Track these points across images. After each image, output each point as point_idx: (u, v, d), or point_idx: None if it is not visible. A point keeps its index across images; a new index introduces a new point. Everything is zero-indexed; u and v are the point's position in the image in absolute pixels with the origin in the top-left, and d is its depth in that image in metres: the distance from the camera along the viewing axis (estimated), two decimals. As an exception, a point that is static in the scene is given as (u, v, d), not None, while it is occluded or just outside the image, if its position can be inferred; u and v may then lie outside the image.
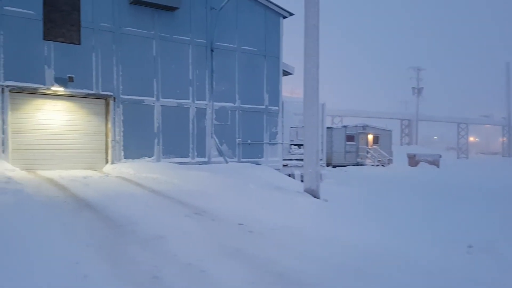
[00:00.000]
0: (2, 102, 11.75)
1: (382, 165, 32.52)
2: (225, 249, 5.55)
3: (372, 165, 32.21)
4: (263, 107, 17.11)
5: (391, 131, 36.90)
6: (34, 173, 11.63)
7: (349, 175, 25.03)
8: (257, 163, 16.50)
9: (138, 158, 13.96)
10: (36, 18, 12.16)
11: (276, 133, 17.54)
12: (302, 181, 12.01)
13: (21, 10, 11.96)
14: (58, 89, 12.50)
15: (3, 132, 11.74)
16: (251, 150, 16.78)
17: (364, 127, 34.13)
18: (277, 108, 17.52)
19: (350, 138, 32.96)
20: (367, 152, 33.21)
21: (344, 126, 34.28)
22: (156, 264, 4.91)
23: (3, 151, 11.72)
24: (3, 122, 11.72)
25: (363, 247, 5.72)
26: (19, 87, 12.03)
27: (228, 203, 8.40)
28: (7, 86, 11.81)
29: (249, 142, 16.66)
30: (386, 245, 5.76)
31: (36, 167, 12.40)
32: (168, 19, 14.57)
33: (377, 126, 36.51)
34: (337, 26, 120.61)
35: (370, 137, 34.29)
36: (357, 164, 32.34)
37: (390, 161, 33.57)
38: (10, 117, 11.96)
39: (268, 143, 17.25)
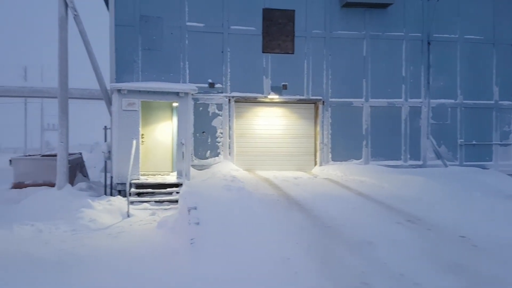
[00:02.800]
0: (229, 111, 13.77)
1: None
2: (443, 262, 5.03)
3: None
4: (492, 102, 14.85)
5: None
6: (253, 173, 13.18)
7: None
8: (483, 167, 14.41)
9: (345, 160, 14.13)
10: (256, 34, 13.78)
11: (510, 132, 14.96)
12: (548, 191, 9.91)
13: (244, 27, 13.76)
14: (274, 96, 13.84)
15: (229, 137, 13.73)
16: (476, 152, 14.78)
17: None
18: (510, 103, 14.96)
19: None
20: None
21: None
22: (364, 270, 4.84)
23: (229, 154, 13.71)
24: (229, 128, 13.72)
25: None
26: (242, 97, 13.85)
27: (448, 212, 7.60)
28: (233, 97, 13.78)
29: (473, 143, 14.72)
30: None
31: (255, 168, 14.01)
32: (379, 17, 14.31)
33: None
34: None
35: None
36: None
37: None
38: (235, 124, 13.89)
39: (498, 144, 14.87)
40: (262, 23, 13.76)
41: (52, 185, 11.41)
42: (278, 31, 13.84)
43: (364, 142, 14.31)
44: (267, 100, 14.02)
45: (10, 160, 12.93)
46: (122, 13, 12.38)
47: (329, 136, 14.16)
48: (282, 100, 14.06)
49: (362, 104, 14.37)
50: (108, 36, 12.26)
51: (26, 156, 15.10)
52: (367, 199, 9.00)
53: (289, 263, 5.01)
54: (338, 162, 14.08)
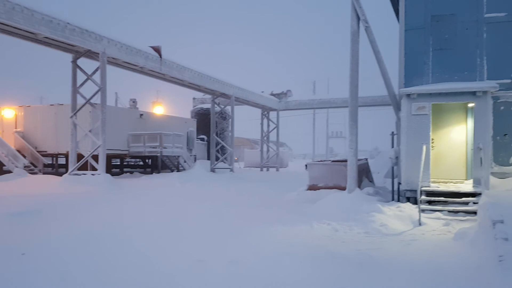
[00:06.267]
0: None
1: None
2: None
3: None
4: None
5: None
6: None
7: None
8: None
9: None
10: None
11: None
12: None
13: None
14: None
15: None
16: None
17: None
18: None
19: None
20: None
21: None
22: None
23: None
24: None
25: None
26: None
27: None
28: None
29: None
30: None
31: None
32: None
33: None
34: None
35: None
36: None
37: None
38: None
39: None
40: None
41: (341, 188, 12.49)
42: None
43: None
44: None
45: (306, 165, 14.88)
46: (413, 16, 12.43)
47: None
48: None
49: None
50: (397, 42, 12.58)
51: (319, 161, 17.09)
52: None
53: None
54: None
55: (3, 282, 5.21)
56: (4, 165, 21.71)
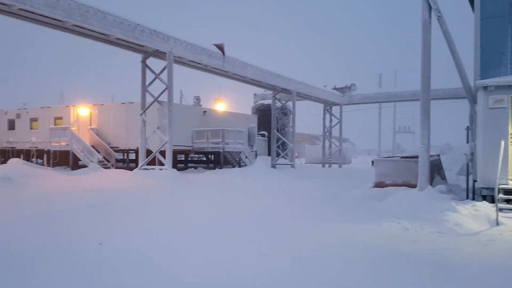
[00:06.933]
0: None
1: None
2: None
3: None
4: None
5: None
6: None
7: None
8: None
9: None
10: None
11: None
12: None
13: None
14: None
15: None
16: None
17: None
18: None
19: None
20: None
21: None
22: None
23: None
24: None
25: None
26: None
27: None
28: None
29: None
30: None
31: None
32: None
33: None
34: None
35: None
36: None
37: None
38: None
39: None
40: None
41: (410, 185, 12.12)
42: None
43: None
44: None
45: (372, 162, 14.58)
46: (489, 4, 11.75)
47: None
48: None
49: None
50: (472, 32, 11.96)
51: (386, 158, 16.69)
52: None
53: None
54: None
55: (84, 270, 5.61)
56: (80, 160, 23.41)
